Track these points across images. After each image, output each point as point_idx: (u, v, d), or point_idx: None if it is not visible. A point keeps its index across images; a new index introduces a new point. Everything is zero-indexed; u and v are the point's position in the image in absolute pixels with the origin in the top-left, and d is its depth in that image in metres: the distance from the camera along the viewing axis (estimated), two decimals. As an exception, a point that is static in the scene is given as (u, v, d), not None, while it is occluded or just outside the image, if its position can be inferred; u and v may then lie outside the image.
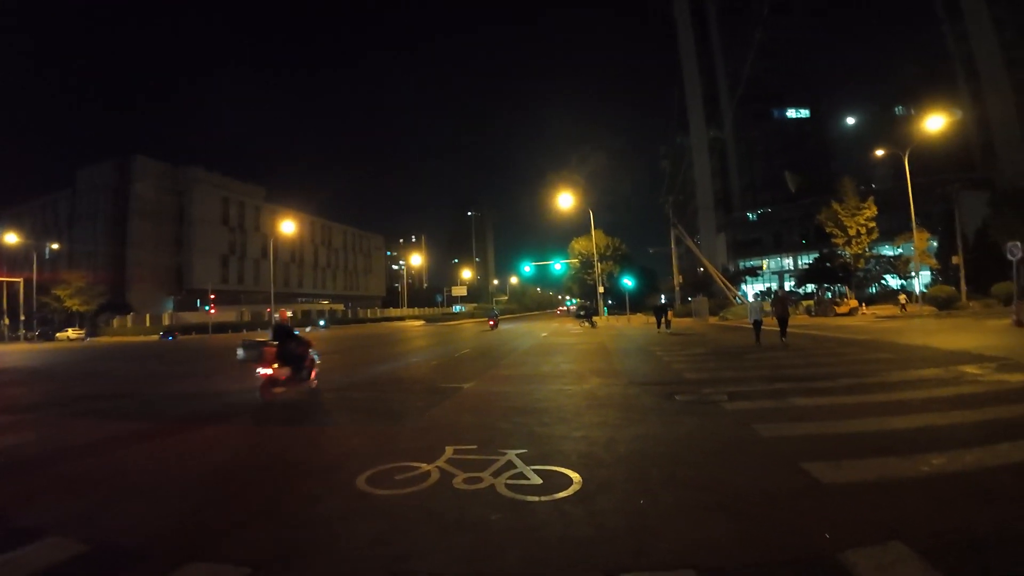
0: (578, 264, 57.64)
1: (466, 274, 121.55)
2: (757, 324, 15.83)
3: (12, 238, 56.45)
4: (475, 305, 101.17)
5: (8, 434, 7.27)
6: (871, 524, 3.24)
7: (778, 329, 15.82)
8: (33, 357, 26.44)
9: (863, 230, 41.19)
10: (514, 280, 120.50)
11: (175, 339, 46.78)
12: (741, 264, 71.96)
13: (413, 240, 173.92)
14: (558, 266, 58.91)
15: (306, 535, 3.49)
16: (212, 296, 51.84)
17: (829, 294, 44.98)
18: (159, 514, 4.00)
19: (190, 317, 58.27)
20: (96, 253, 64.66)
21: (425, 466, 4.81)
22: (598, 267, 44.70)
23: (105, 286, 57.93)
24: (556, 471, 4.52)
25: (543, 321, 53.78)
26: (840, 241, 42.68)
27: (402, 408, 8.10)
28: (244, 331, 54.73)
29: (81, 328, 52.26)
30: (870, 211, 40.82)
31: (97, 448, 6.32)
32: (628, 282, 45.02)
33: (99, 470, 5.33)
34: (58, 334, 50.54)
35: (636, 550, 3.07)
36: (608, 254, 56.51)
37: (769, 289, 68.14)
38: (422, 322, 67.82)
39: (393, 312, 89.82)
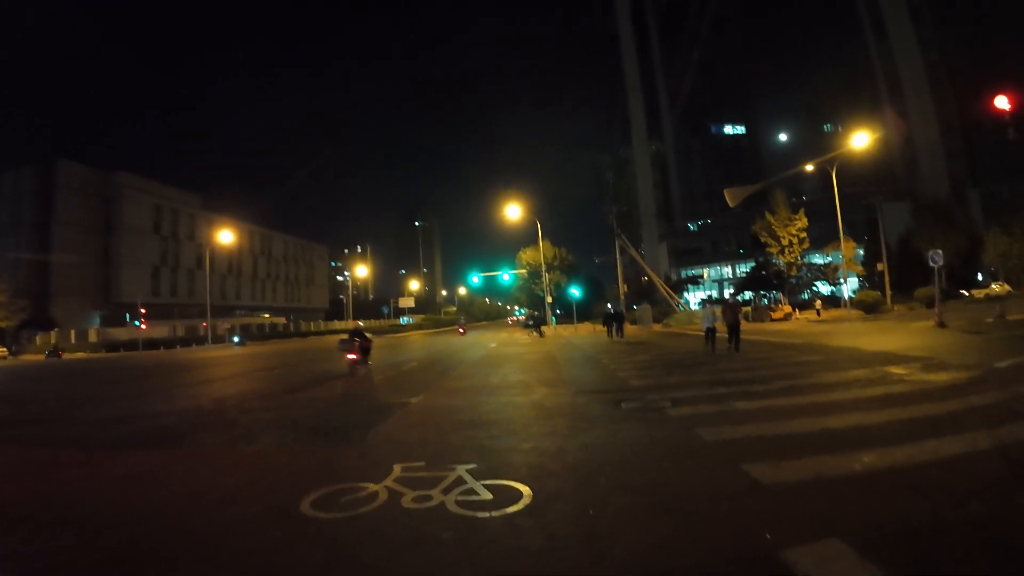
0: (526, 274, 58.09)
1: (413, 285, 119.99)
2: (710, 332, 14.93)
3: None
4: (423, 316, 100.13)
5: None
6: (810, 522, 3.38)
7: (727, 336, 15.22)
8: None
9: (795, 240, 43.39)
10: (462, 291, 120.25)
11: (60, 358, 44.11)
12: (683, 272, 74.35)
13: (359, 250, 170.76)
14: (506, 276, 59.23)
15: (251, 563, 3.34)
16: (143, 310, 49.16)
17: (765, 300, 46.97)
18: (91, 546, 3.74)
19: (119, 333, 54.96)
20: (17, 264, 59.99)
21: (372, 486, 4.69)
22: (546, 277, 45.19)
23: (27, 300, 53.71)
24: (506, 485, 4.50)
25: (492, 332, 53.78)
26: (774, 250, 44.81)
27: (347, 426, 7.87)
28: (178, 347, 52.17)
29: (3, 345, 48.42)
30: (801, 222, 43.05)
31: (21, 477, 5.89)
32: (575, 291, 45.70)
33: (25, 501, 4.95)
34: None
35: (589, 559, 3.11)
36: (555, 264, 57.22)
37: (711, 296, 70.52)
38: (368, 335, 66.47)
39: (338, 325, 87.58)
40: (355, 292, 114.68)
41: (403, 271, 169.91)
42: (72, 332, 54.23)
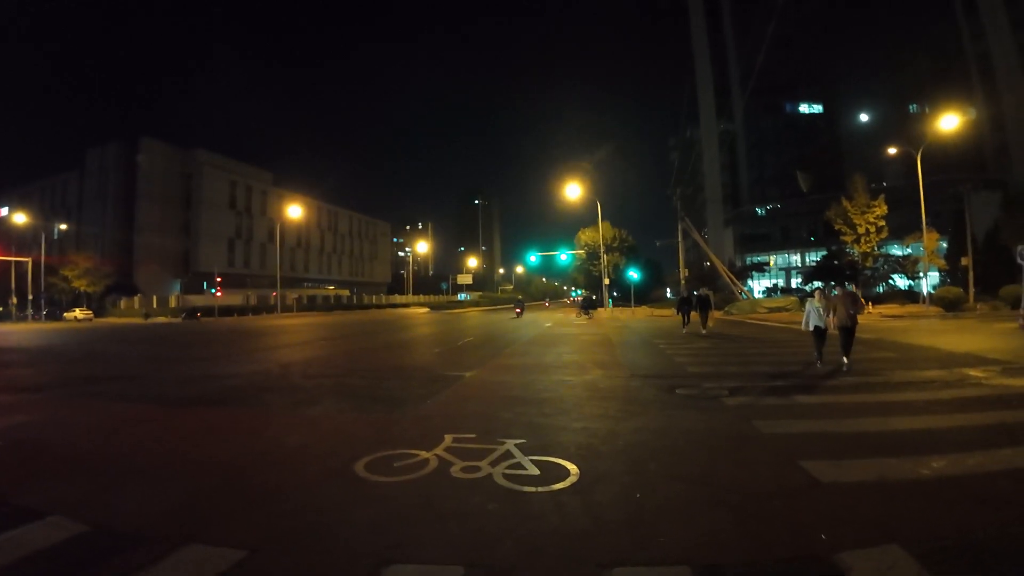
0: (584, 255, 57.45)
1: (472, 263, 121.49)
2: (819, 334, 10.26)
3: (21, 218, 56.68)
4: (480, 294, 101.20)
5: (13, 414, 7.30)
6: (869, 525, 3.22)
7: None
8: (41, 337, 26.59)
9: (872, 228, 40.80)
10: (520, 270, 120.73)
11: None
12: (748, 259, 71.55)
13: (420, 227, 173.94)
14: (564, 257, 58.98)
15: (304, 520, 3.51)
16: (219, 279, 51.92)
17: (836, 292, 44.62)
18: (159, 497, 4.02)
19: (196, 300, 58.32)
20: (104, 235, 64.94)
21: (424, 454, 4.83)
22: (604, 259, 44.58)
23: (113, 267, 58.00)
24: (554, 462, 4.52)
25: (548, 311, 53.80)
26: (849, 239, 42.33)
27: (403, 395, 8.10)
28: (250, 314, 54.92)
29: (88, 308, 52.32)
30: (880, 209, 40.40)
31: (100, 430, 6.34)
32: (634, 274, 44.94)
33: (101, 452, 5.36)
34: (66, 314, 50.62)
35: (632, 544, 3.07)
36: (615, 245, 56.30)
37: (775, 285, 67.69)
38: (427, 309, 67.89)
39: (398, 299, 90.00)
40: (416, 268, 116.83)
41: (462, 248, 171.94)
42: (154, 298, 58.04)
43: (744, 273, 61.14)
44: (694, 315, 20.59)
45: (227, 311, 54.01)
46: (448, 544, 3.12)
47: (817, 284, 45.35)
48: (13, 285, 50.35)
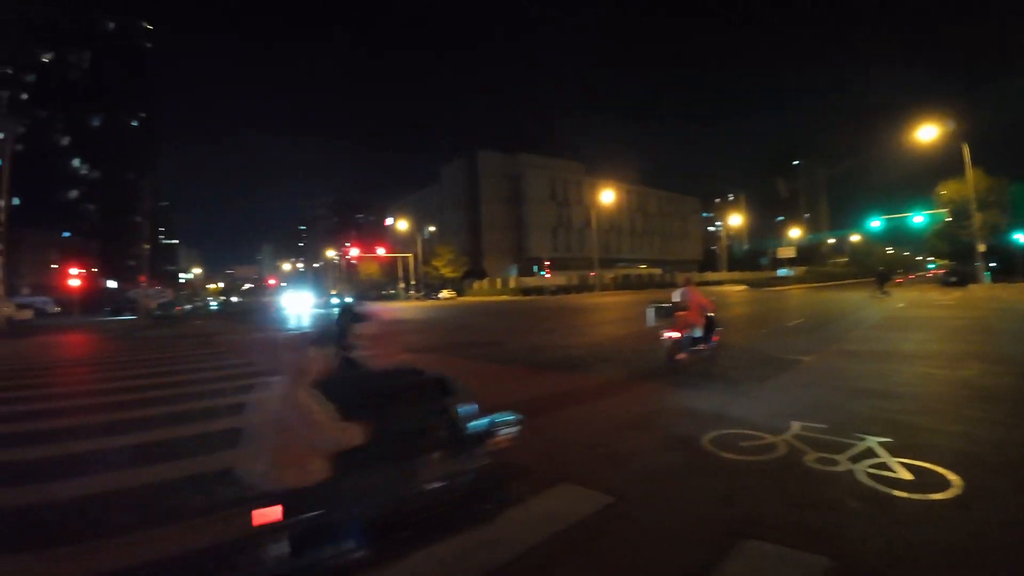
0: (948, 214, 45.44)
1: (794, 233, 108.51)
2: None
3: (403, 225, 75.81)
4: (805, 268, 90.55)
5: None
6: None
7: None
8: (422, 312, 34.72)
9: None
10: (856, 238, 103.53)
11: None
12: None
13: (730, 199, 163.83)
14: (919, 219, 47.22)
15: (658, 479, 4.07)
16: (547, 263, 59.12)
17: None
18: (535, 442, 4.87)
19: (530, 281, 67.63)
20: (460, 231, 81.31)
21: (770, 437, 4.88)
22: (977, 217, 34.73)
23: (467, 257, 74.62)
24: (929, 468, 4.04)
25: (898, 289, 45.31)
26: None
27: (736, 376, 8.08)
28: (573, 293, 60.49)
29: (453, 289, 66.86)
30: None
31: (480, 382, 7.12)
32: (1022, 238, 34.13)
33: (488, 398, 6.72)
34: (435, 294, 66.17)
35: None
36: (991, 200, 43.22)
37: None
38: (743, 287, 63.83)
39: (711, 276, 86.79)
40: (728, 243, 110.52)
41: (782, 218, 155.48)
42: (498, 280, 69.61)
43: None
44: None
45: (555, 291, 61.09)
46: (807, 532, 3.15)
47: None
48: (400, 273, 68.61)
